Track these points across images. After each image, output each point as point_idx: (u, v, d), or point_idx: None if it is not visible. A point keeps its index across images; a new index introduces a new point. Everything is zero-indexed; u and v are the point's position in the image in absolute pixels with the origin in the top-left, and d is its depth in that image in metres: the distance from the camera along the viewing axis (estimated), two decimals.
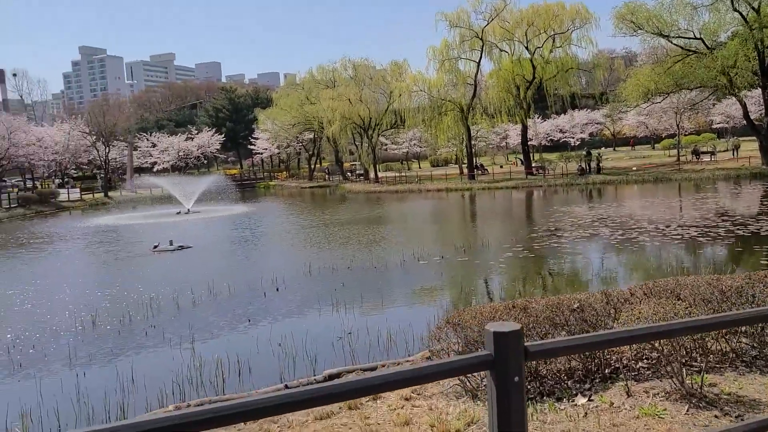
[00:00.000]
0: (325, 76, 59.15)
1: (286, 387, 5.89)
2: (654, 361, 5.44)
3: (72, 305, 12.84)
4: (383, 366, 6.40)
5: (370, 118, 53.69)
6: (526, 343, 2.39)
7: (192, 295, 12.82)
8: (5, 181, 64.44)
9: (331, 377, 6.09)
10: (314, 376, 6.31)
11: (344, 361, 8.26)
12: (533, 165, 47.66)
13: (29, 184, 66.88)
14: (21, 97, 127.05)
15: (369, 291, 12.63)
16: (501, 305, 6.10)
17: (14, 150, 54.99)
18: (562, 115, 62.18)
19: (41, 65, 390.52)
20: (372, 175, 55.25)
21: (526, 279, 13.39)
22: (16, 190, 57.89)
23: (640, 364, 5.58)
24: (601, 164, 43.62)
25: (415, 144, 74.20)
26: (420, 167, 73.23)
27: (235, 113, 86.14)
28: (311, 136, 65.76)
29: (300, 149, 72.99)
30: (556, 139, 70.70)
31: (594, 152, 47.34)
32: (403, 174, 56.22)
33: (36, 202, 48.93)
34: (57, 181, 67.72)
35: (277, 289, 13.16)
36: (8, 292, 15.45)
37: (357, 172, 63.04)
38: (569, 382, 5.45)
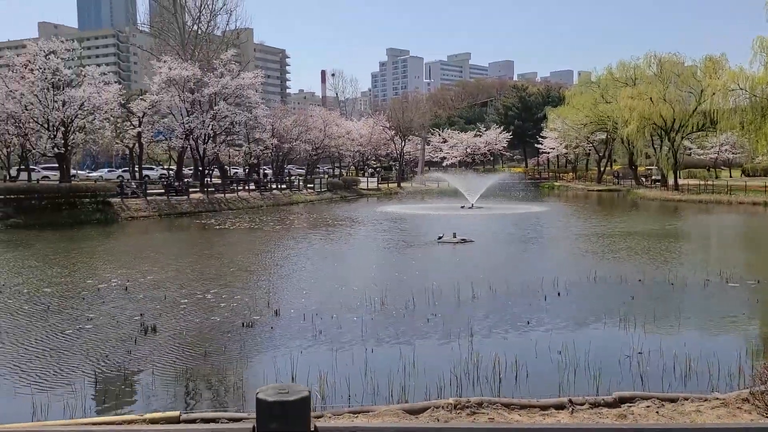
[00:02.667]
0: (625, 74, 55.35)
1: (570, 402, 5.42)
2: None
3: (364, 284, 13.93)
4: (686, 399, 5.52)
5: (674, 119, 48.85)
6: None
7: (472, 288, 12.92)
8: (319, 168, 73.74)
9: (622, 401, 5.44)
10: (602, 396, 5.72)
11: (632, 384, 7.44)
12: None
13: (336, 171, 75.46)
14: (336, 94, 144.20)
15: (664, 309, 11.32)
16: None
17: (328, 141, 62.64)
18: None
19: (354, 66, 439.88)
20: (671, 181, 50.33)
21: None
22: (326, 176, 65.85)
23: None
24: None
25: (726, 150, 65.74)
26: (731, 176, 64.62)
27: (524, 111, 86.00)
28: (603, 136, 62.41)
29: (589, 150, 69.92)
30: None
31: None
32: (708, 182, 50.12)
33: (341, 188, 55.08)
34: (370, 170, 74.98)
35: (559, 294, 12.58)
36: (315, 267, 17.48)
37: (653, 177, 58.14)
38: None
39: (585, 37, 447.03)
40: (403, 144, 68.74)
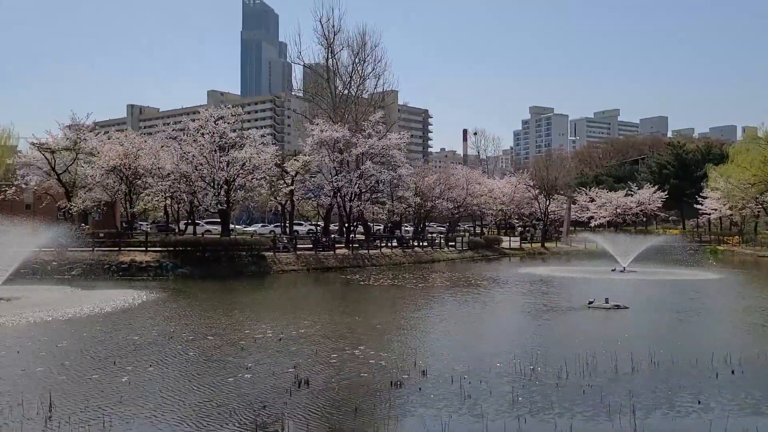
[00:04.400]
0: None
1: None
2: None
3: (511, 348, 13.45)
4: None
5: None
6: None
7: (631, 359, 12.00)
8: (460, 226, 73.61)
9: None
10: None
11: None
12: None
13: (477, 230, 74.87)
14: (478, 152, 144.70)
15: None
16: None
17: (470, 199, 62.63)
18: None
19: (496, 124, 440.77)
20: None
21: None
22: (467, 234, 65.48)
23: None
24: None
25: None
26: None
27: (681, 170, 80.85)
28: None
29: (758, 212, 63.82)
30: None
31: None
32: None
33: (483, 247, 54.44)
34: (519, 229, 73.67)
35: (733, 372, 11.32)
36: (459, 328, 17.22)
37: None
38: None
39: (748, 90, 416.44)
40: (547, 203, 66.98)
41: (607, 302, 19.73)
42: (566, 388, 10.25)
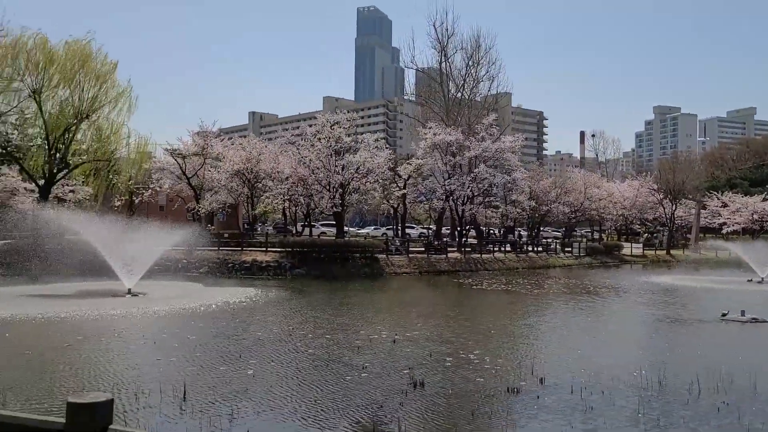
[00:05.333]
0: None
1: None
2: None
3: (635, 360, 12.76)
4: None
5: None
6: None
7: None
8: (576, 231, 70.88)
9: None
10: None
11: None
12: None
13: (596, 235, 71.79)
14: (596, 155, 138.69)
15: None
16: None
17: (587, 203, 60.26)
18: None
19: (615, 125, 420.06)
20: None
21: None
22: (585, 240, 62.97)
23: None
24: None
25: None
26: None
27: None
28: None
29: None
30: None
31: None
32: None
33: (601, 253, 52.17)
34: (645, 235, 69.86)
35: None
36: (578, 336, 16.59)
37: None
38: None
39: None
40: (673, 208, 63.08)
41: (743, 315, 18.27)
42: (697, 405, 9.57)
